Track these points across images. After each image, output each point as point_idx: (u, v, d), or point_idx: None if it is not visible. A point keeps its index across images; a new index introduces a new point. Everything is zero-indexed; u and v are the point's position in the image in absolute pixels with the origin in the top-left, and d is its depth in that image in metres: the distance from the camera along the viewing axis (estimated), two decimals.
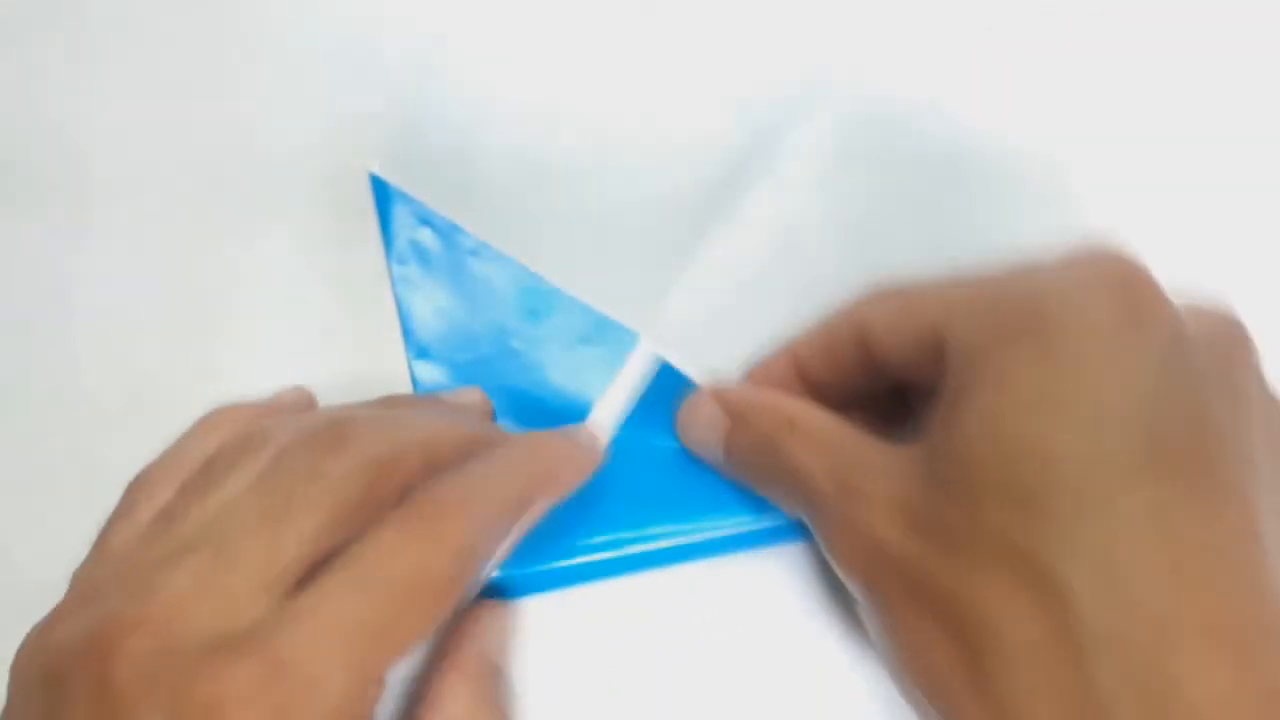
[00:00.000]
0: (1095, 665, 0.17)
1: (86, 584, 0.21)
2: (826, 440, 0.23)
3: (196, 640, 0.18)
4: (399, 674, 0.22)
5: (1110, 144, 0.30)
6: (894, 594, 0.20)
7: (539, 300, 0.29)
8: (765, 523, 0.27)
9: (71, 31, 0.32)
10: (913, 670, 0.20)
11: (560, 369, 0.28)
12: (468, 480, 0.22)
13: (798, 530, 0.26)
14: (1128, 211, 0.28)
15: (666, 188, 0.29)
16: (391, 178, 0.30)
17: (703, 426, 0.26)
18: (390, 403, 0.26)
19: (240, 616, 0.19)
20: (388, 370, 0.29)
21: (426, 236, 0.29)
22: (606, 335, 0.28)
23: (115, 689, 0.18)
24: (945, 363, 0.21)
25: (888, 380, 0.24)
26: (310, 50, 0.31)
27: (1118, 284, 0.20)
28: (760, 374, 0.26)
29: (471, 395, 0.28)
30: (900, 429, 0.23)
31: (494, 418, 0.28)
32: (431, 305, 0.29)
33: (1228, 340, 0.21)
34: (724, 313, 0.29)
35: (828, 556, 0.22)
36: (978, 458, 0.19)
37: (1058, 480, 0.18)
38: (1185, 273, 0.21)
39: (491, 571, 0.26)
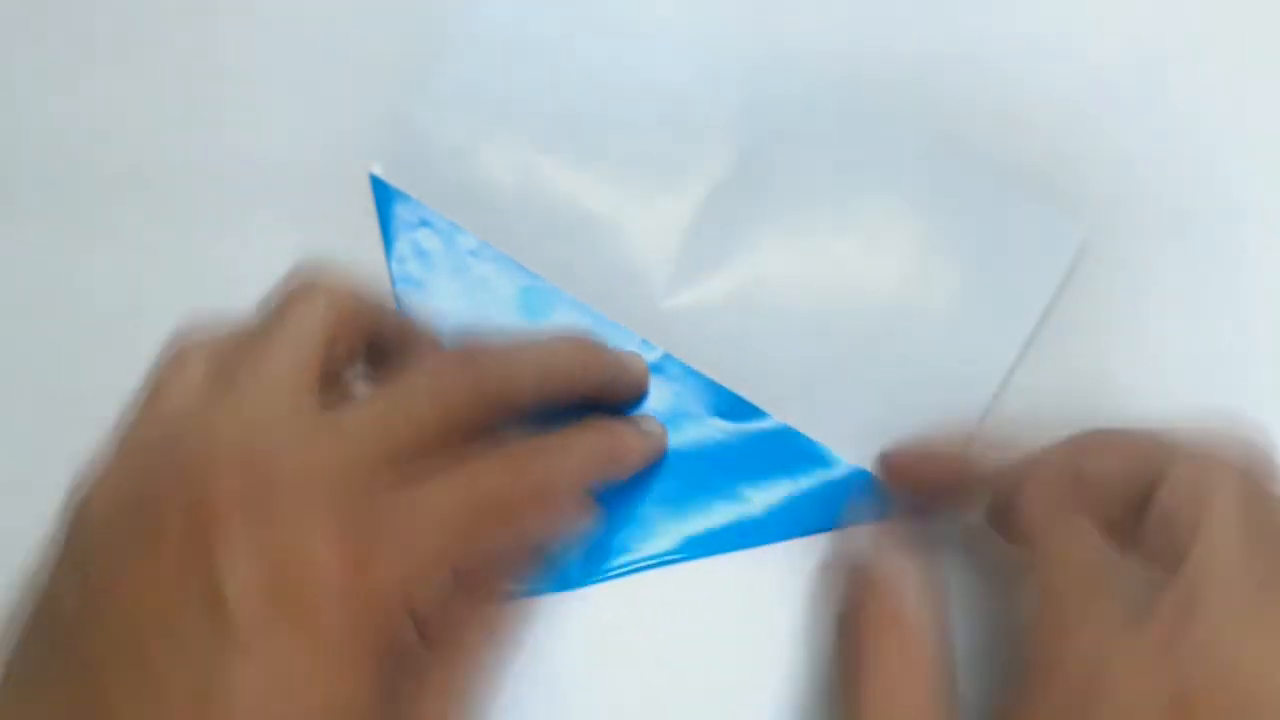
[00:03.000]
0: None
1: (159, 434, 0.21)
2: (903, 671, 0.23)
3: (295, 484, 0.19)
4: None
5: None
6: None
7: (539, 300, 0.29)
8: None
9: (71, 31, 0.32)
10: None
11: None
12: (553, 443, 0.24)
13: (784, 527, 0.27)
14: None
15: (666, 188, 0.29)
16: (391, 178, 0.30)
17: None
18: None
19: (346, 484, 0.20)
20: None
21: (426, 236, 0.29)
22: (606, 335, 0.28)
23: (207, 524, 0.19)
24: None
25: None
26: (310, 50, 0.31)
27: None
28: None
29: None
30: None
31: None
32: (431, 305, 0.29)
33: None
34: (723, 313, 0.29)
35: None
36: None
37: None
38: None
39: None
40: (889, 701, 0.22)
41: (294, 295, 0.22)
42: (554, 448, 0.24)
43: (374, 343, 0.23)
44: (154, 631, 0.18)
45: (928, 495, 0.26)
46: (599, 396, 0.26)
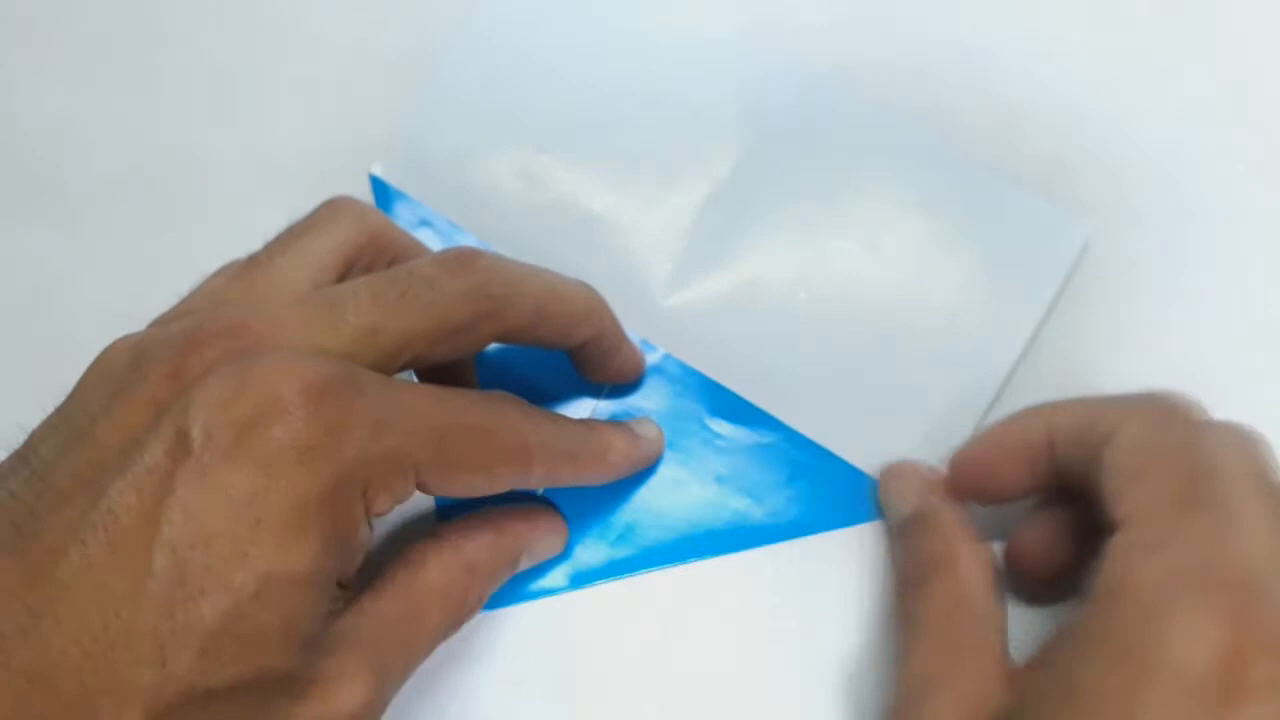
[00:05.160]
0: None
1: (177, 313, 0.23)
2: (945, 626, 0.23)
3: (280, 349, 0.20)
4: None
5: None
6: None
7: None
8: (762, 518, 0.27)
9: (72, 31, 0.32)
10: None
11: (559, 369, 0.28)
12: (544, 414, 0.24)
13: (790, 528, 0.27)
14: None
15: (667, 188, 0.29)
16: (391, 178, 0.30)
17: (893, 497, 0.26)
18: None
19: (332, 358, 0.20)
20: None
21: (426, 237, 0.29)
22: None
23: (189, 372, 0.19)
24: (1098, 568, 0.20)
25: None
26: (310, 50, 0.31)
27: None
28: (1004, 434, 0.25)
29: None
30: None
31: None
32: None
33: None
34: (724, 313, 0.29)
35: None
36: None
37: None
38: None
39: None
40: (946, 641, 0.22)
41: (324, 209, 0.24)
42: (544, 417, 0.23)
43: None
44: (115, 466, 0.19)
45: (1002, 494, 0.25)
46: (596, 360, 0.26)
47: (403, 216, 0.30)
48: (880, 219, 0.29)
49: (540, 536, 0.26)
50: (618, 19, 0.30)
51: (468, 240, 0.29)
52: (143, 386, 0.20)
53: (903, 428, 0.27)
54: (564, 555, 0.27)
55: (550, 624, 0.27)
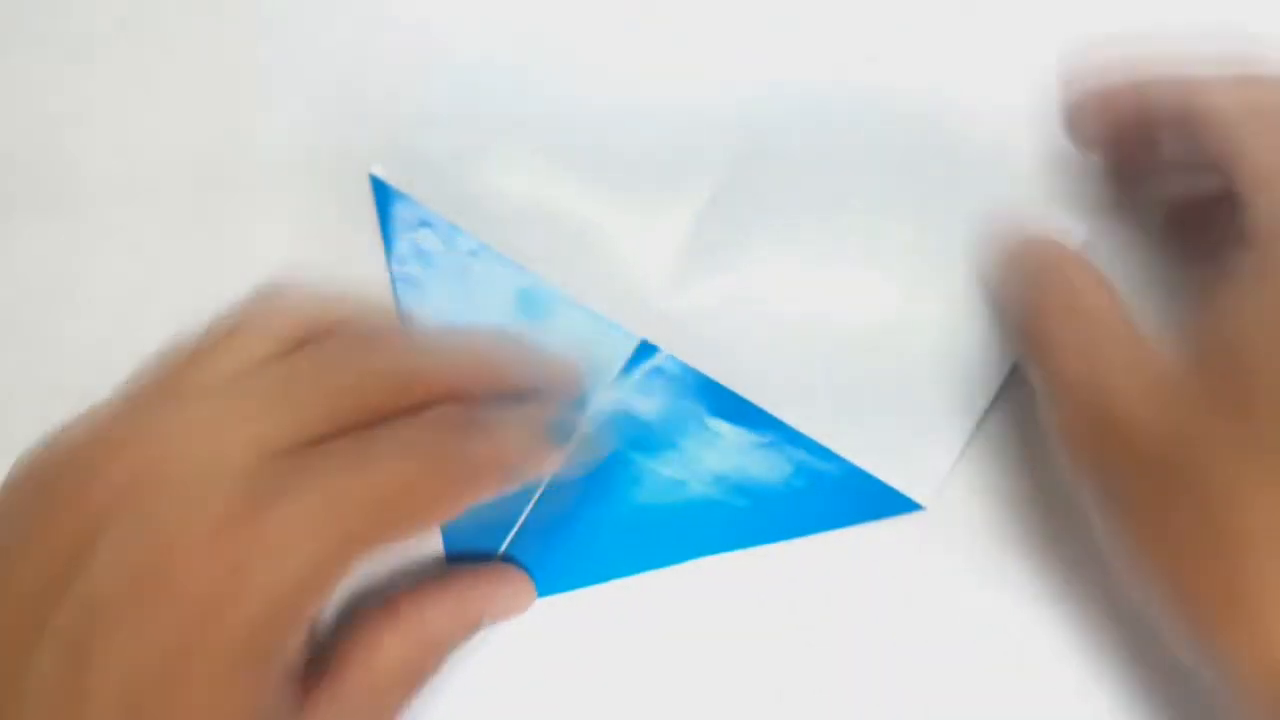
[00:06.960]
0: None
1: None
2: (1087, 317, 0.23)
3: (178, 479, 0.19)
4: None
5: None
6: (1137, 482, 0.20)
7: (538, 301, 0.29)
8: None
9: (71, 31, 0.32)
10: (1151, 549, 0.20)
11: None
12: (474, 423, 0.22)
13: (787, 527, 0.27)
14: None
15: (666, 189, 0.29)
16: (391, 178, 0.30)
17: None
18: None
19: (229, 477, 0.19)
20: None
21: (426, 237, 0.29)
22: (605, 337, 0.28)
23: (92, 505, 0.19)
24: (1241, 215, 0.20)
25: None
26: (310, 50, 0.31)
27: None
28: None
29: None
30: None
31: None
32: (431, 306, 0.29)
33: None
34: (724, 313, 0.29)
35: (1054, 433, 0.22)
36: (1256, 364, 0.18)
37: None
38: None
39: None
40: (1089, 334, 0.22)
41: (255, 300, 0.23)
42: (473, 427, 0.22)
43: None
44: (32, 637, 0.18)
45: (1119, 148, 0.25)
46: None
47: (403, 217, 0.30)
48: (879, 219, 0.29)
49: (505, 599, 0.26)
50: (619, 22, 0.30)
51: (468, 241, 0.29)
52: (50, 532, 0.19)
53: (902, 426, 0.27)
54: (563, 558, 0.27)
55: (550, 624, 0.27)
